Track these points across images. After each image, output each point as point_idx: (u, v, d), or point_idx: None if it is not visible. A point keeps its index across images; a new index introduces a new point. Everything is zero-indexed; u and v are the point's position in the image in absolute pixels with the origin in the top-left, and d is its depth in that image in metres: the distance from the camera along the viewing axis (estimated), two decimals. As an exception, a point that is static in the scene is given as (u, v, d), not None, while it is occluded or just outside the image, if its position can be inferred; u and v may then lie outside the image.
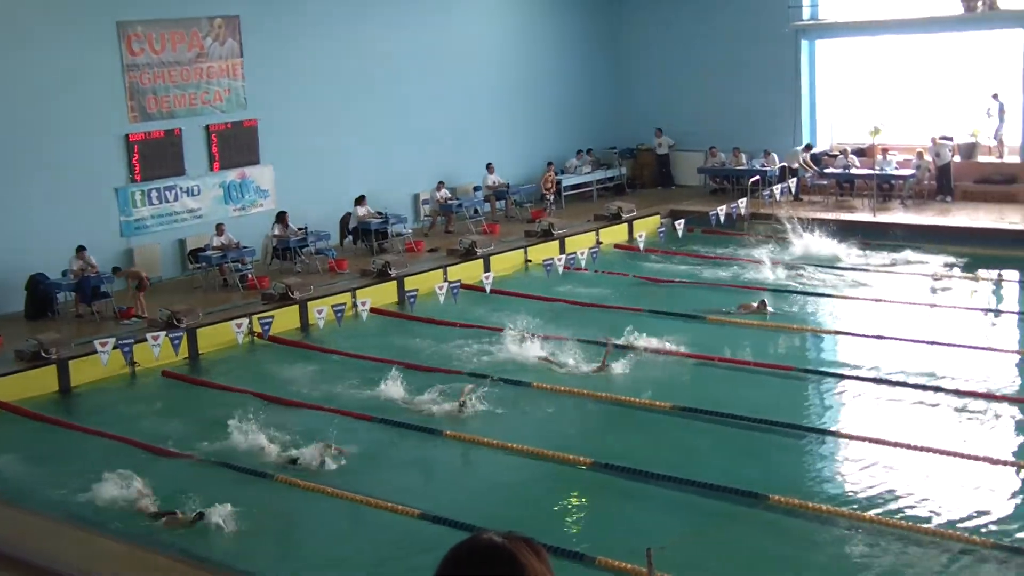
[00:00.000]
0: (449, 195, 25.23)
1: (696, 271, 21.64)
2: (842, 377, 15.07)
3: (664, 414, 14.00)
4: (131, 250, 21.25)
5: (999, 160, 25.84)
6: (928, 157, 25.73)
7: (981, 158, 26.12)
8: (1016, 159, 25.62)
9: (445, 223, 25.12)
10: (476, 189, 26.25)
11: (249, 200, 23.07)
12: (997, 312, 18.27)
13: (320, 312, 18.56)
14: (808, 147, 27.30)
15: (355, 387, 15.82)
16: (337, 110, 24.14)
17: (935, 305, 18.44)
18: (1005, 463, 12.12)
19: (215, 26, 22.38)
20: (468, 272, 21.44)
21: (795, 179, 26.41)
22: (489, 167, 26.29)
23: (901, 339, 16.48)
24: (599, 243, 23.58)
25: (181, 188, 22.03)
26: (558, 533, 10.67)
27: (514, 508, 11.67)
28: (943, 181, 25.06)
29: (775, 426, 13.31)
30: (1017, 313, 18.12)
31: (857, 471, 12.21)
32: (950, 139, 25.35)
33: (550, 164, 27.45)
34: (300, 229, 22.25)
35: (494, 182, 26.40)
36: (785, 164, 26.97)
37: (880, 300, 18.80)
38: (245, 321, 17.86)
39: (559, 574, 2.52)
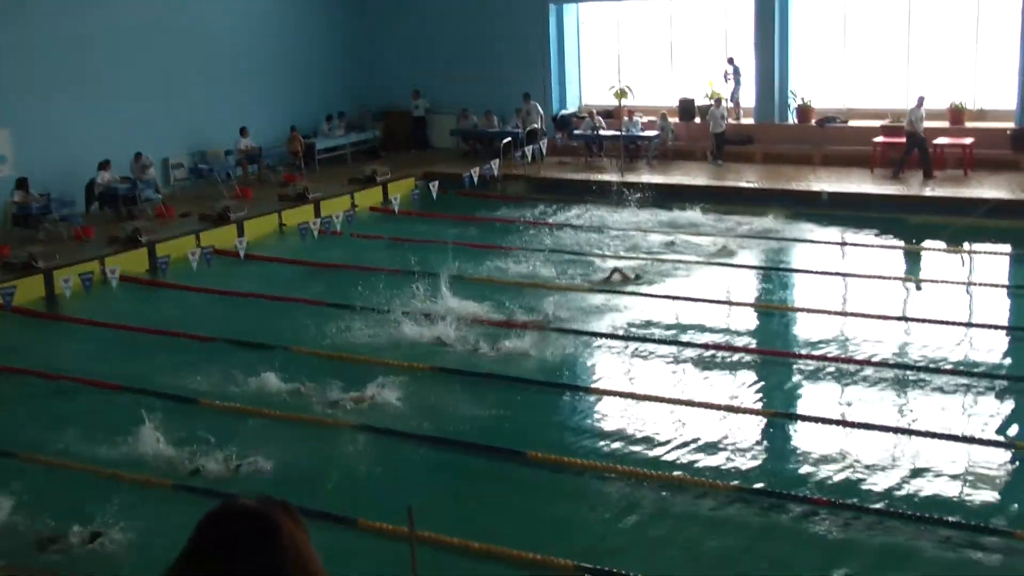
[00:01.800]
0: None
1: (452, 232, 21.80)
2: (595, 335, 15.49)
3: (423, 375, 14.11)
4: None
5: (736, 122, 27.10)
6: (672, 119, 26.79)
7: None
8: (751, 121, 26.93)
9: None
10: (228, 153, 25.63)
11: (-17, 165, 21.81)
12: (739, 267, 19.11)
13: (67, 281, 17.86)
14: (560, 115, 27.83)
15: (104, 358, 15.30)
16: (79, 72, 23.02)
17: (679, 260, 19.19)
18: (753, 412, 12.78)
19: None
20: (221, 237, 20.99)
21: (545, 140, 26.97)
22: (243, 131, 25.70)
23: (648, 295, 17.12)
24: (354, 206, 23.48)
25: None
26: (317, 496, 10.62)
27: (271, 472, 11.50)
28: (719, 145, 25.81)
29: (531, 384, 13.63)
30: (756, 267, 19.03)
31: (614, 424, 12.62)
32: (721, 103, 26.07)
33: (293, 128, 26.99)
34: (42, 195, 21.23)
35: (247, 146, 25.85)
36: (536, 126, 27.47)
37: (630, 256, 19.48)
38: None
39: (319, 537, 2.52)
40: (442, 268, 17.55)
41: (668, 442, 11.88)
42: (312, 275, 19.43)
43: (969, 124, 24.46)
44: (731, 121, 26.99)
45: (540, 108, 27.45)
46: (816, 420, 12.35)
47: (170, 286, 18.90)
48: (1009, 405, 12.63)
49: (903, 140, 24.00)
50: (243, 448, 11.82)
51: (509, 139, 26.77)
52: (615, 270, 18.15)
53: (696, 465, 11.33)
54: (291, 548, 2.41)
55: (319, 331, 15.76)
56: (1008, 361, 14.04)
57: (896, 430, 11.90)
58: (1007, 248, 19.37)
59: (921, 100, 23.24)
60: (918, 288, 17.50)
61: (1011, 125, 23.90)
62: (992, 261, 18.91)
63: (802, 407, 12.94)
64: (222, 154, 25.53)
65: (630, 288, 17.48)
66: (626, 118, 26.89)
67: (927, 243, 20.07)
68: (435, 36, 29.14)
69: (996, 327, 15.43)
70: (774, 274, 18.50)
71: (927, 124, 23.30)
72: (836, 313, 16.00)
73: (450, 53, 28.91)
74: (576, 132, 27.65)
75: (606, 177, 25.25)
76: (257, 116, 26.50)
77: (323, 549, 2.46)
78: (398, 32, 29.58)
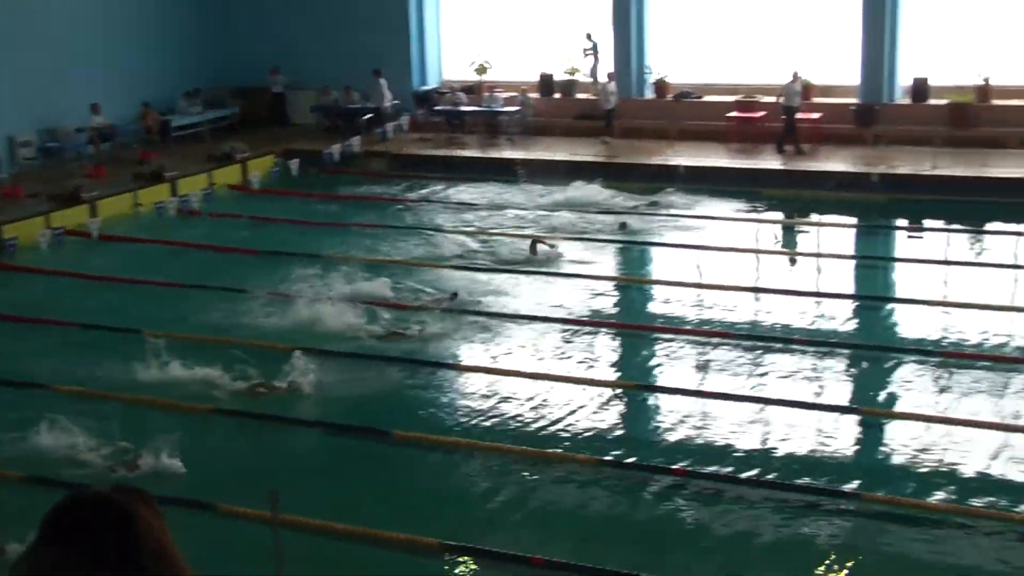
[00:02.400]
0: None
1: (318, 210, 21.65)
2: (463, 312, 15.57)
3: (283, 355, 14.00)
4: None
5: (596, 97, 27.40)
6: (532, 95, 26.99)
7: (580, 95, 27.66)
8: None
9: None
10: (79, 131, 24.89)
11: None
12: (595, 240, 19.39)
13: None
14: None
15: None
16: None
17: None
18: (612, 384, 13.04)
19: None
20: (74, 218, 20.43)
21: (407, 116, 26.90)
22: (94, 107, 24.94)
23: (512, 271, 17.28)
24: (212, 184, 23.10)
25: None
26: (175, 482, 10.48)
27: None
28: (609, 121, 25.95)
29: (394, 361, 13.66)
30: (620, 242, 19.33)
31: (479, 402, 12.70)
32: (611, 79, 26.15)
33: (146, 105, 26.35)
34: None
35: (99, 123, 25.14)
36: (397, 101, 27.39)
37: (482, 232, 19.62)
38: None
39: (177, 524, 2.52)
40: (307, 247, 17.39)
41: (533, 418, 12.04)
42: (171, 256, 19.04)
43: (817, 100, 25.22)
44: (591, 97, 27.30)
45: (386, 86, 27.10)
46: (673, 391, 12.66)
47: (19, 269, 18.34)
48: (854, 372, 13.16)
49: (757, 115, 24.68)
50: (102, 435, 11.53)
51: (371, 115, 26.61)
52: (535, 242, 18.03)
53: (561, 439, 11.51)
54: (147, 536, 2.35)
55: (177, 314, 15.50)
56: (853, 329, 14.61)
57: (750, 399, 12.27)
58: (853, 220, 20.08)
59: (796, 75, 23.83)
60: (772, 259, 17.97)
61: (855, 101, 24.71)
62: (839, 233, 19.55)
63: (661, 379, 13.25)
64: (72, 131, 24.77)
65: (485, 264, 17.59)
66: (487, 93, 26.99)
67: (779, 215, 20.64)
68: (294, 11, 28.73)
69: (843, 296, 16.00)
70: (635, 248, 18.81)
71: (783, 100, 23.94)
72: (691, 285, 16.34)
73: (310, 29, 28.53)
74: (437, 108, 27.64)
75: (468, 153, 25.37)
76: (112, 92, 25.66)
77: (182, 536, 2.46)
78: (257, 6, 29.07)
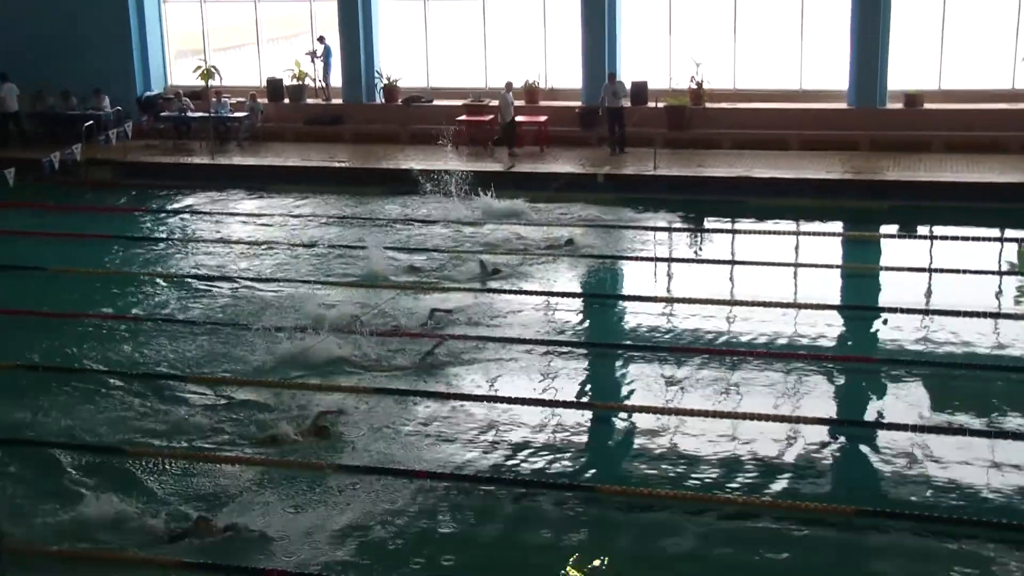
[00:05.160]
0: None
1: (39, 222, 20.73)
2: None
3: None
4: None
5: (325, 102, 27.34)
6: (261, 100, 26.65)
7: (309, 100, 27.51)
8: (340, 101, 27.24)
9: None
10: None
11: None
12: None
13: None
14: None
15: None
16: None
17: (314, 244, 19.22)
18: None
19: None
20: None
21: (130, 123, 26.02)
22: None
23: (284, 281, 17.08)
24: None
25: None
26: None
27: None
28: (510, 135, 25.39)
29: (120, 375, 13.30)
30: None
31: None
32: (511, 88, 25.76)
33: None
34: None
35: None
36: (119, 108, 26.48)
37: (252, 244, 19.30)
38: None
39: None
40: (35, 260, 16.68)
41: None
42: None
43: (543, 103, 26.01)
44: (321, 101, 27.21)
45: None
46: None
47: None
48: (583, 369, 13.73)
49: (486, 118, 25.23)
50: None
51: (91, 122, 25.57)
52: (481, 263, 17.41)
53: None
54: None
55: None
56: (583, 328, 15.22)
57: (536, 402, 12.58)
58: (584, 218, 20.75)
59: (612, 76, 24.33)
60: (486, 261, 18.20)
61: (579, 103, 25.63)
62: (569, 232, 20.15)
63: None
64: None
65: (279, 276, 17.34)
66: (214, 99, 26.44)
67: (513, 217, 21.04)
68: (9, 13, 27.31)
69: (577, 295, 16.61)
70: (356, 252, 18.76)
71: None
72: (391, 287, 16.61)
73: (25, 33, 27.17)
74: (163, 114, 26.86)
75: (198, 160, 24.82)
76: None
77: None
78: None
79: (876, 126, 24.02)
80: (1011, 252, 17.95)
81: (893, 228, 19.96)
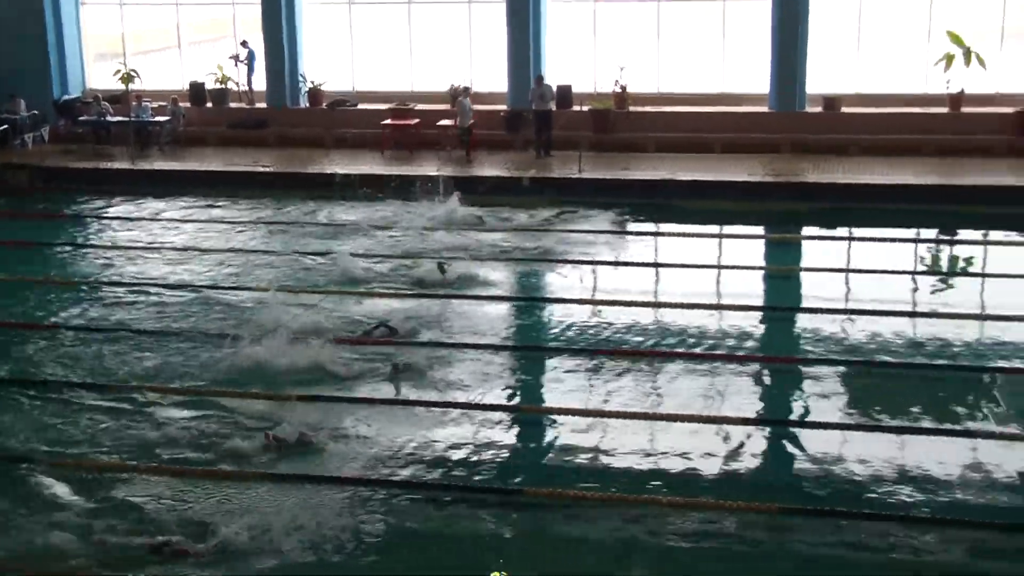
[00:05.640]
0: None
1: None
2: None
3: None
4: None
5: (249, 106, 27.13)
6: (183, 104, 26.37)
7: (233, 104, 27.29)
8: (264, 105, 27.04)
9: None
10: None
11: None
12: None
13: None
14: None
15: None
16: None
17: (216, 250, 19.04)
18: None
19: None
20: None
21: (47, 127, 25.61)
22: None
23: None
24: None
25: None
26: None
27: None
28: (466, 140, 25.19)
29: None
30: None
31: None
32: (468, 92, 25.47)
33: None
34: None
35: None
36: (35, 112, 26.06)
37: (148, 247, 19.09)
38: None
39: None
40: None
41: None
42: None
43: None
44: (245, 105, 27.01)
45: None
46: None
47: None
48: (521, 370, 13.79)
49: (411, 122, 25.21)
50: None
51: (6, 126, 25.10)
52: (441, 265, 17.21)
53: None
54: None
55: None
56: (512, 330, 15.28)
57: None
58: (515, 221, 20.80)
59: (540, 79, 24.36)
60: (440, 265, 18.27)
61: (505, 107, 25.71)
62: (500, 236, 20.20)
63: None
64: None
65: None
66: (135, 103, 26.11)
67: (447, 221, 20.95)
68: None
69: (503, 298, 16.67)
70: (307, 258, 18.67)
71: (428, 105, 24.54)
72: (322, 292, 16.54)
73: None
74: (81, 118, 26.46)
75: (119, 165, 24.50)
76: None
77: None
78: None
79: (796, 129, 24.42)
80: (925, 251, 18.38)
81: (814, 230, 20.31)
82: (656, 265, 18.49)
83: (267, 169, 24.05)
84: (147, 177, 23.82)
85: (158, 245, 19.40)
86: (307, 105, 26.87)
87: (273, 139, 26.18)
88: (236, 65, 27.24)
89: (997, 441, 11.53)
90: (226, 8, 27.91)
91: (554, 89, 24.74)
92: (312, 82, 26.74)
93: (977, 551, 9.51)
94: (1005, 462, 11.08)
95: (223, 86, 27.19)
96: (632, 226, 20.40)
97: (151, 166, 24.44)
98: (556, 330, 15.21)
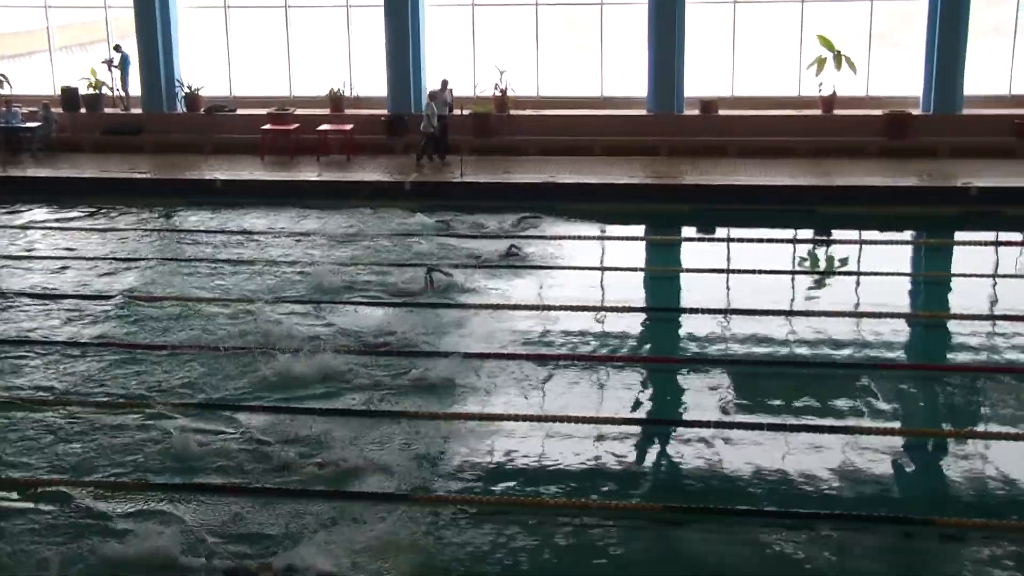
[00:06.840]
0: None
1: None
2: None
3: None
4: None
5: (124, 111, 26.58)
6: (55, 109, 25.72)
7: (108, 109, 26.72)
8: (140, 110, 26.53)
9: None
10: None
11: None
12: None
13: None
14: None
15: None
16: None
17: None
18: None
19: None
20: None
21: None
22: None
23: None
24: None
25: None
26: None
27: None
28: (436, 146, 24.47)
29: None
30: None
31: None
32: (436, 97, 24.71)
33: None
34: None
35: None
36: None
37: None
38: None
39: None
40: None
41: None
42: None
43: (348, 111, 25.90)
44: (120, 111, 26.47)
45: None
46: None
47: None
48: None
49: (291, 127, 24.96)
50: None
51: None
52: (430, 270, 16.89)
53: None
54: None
55: None
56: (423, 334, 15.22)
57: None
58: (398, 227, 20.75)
59: (444, 83, 24.20)
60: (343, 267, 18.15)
61: (385, 112, 25.62)
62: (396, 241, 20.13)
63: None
64: None
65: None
66: (3, 108, 25.39)
67: (329, 226, 20.81)
68: None
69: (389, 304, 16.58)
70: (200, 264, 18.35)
71: (315, 112, 24.33)
72: (236, 300, 16.31)
73: None
74: (-53, 125, 25.65)
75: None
76: None
77: None
78: None
79: (675, 132, 24.81)
80: (801, 251, 18.80)
81: (692, 231, 20.65)
82: (538, 267, 18.53)
83: (143, 176, 23.56)
84: (17, 184, 23.19)
85: (25, 254, 18.90)
86: (184, 110, 26.43)
87: (149, 145, 25.70)
88: (110, 70, 26.68)
89: (875, 437, 11.82)
90: (98, 11, 27.28)
91: (427, 94, 24.69)
92: (189, 87, 26.31)
93: (844, 547, 9.76)
94: (880, 457, 11.40)
95: (97, 91, 26.60)
96: (514, 230, 20.44)
97: (22, 173, 23.82)
98: (440, 334, 15.19)
